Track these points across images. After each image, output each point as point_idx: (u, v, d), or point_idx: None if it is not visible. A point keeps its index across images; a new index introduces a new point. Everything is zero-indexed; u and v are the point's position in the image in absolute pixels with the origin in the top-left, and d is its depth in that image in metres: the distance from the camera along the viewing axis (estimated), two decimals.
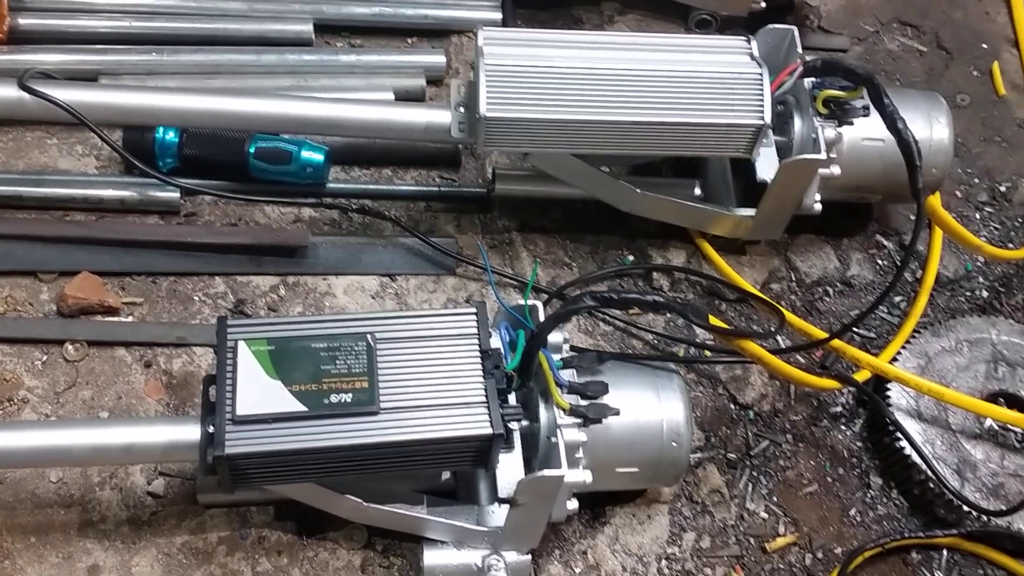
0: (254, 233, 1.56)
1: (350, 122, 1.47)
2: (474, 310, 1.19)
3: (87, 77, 1.64)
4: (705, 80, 1.40)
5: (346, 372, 1.11)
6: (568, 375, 1.20)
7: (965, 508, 1.39)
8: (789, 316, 1.49)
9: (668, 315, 1.57)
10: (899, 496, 1.47)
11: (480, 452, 1.13)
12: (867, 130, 1.50)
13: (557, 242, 1.63)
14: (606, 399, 1.19)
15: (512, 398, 1.16)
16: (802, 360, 1.55)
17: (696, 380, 1.52)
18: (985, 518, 1.39)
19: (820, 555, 1.41)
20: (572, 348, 1.30)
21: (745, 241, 1.63)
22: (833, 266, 1.66)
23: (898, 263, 1.66)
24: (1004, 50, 1.97)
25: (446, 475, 1.29)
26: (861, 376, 1.49)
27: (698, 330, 1.54)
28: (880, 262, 1.68)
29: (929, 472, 1.40)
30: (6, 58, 1.63)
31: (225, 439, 1.06)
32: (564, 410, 1.15)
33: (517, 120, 1.37)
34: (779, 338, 1.55)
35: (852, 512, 1.45)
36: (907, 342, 1.54)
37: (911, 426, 1.44)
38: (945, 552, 1.42)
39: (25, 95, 1.38)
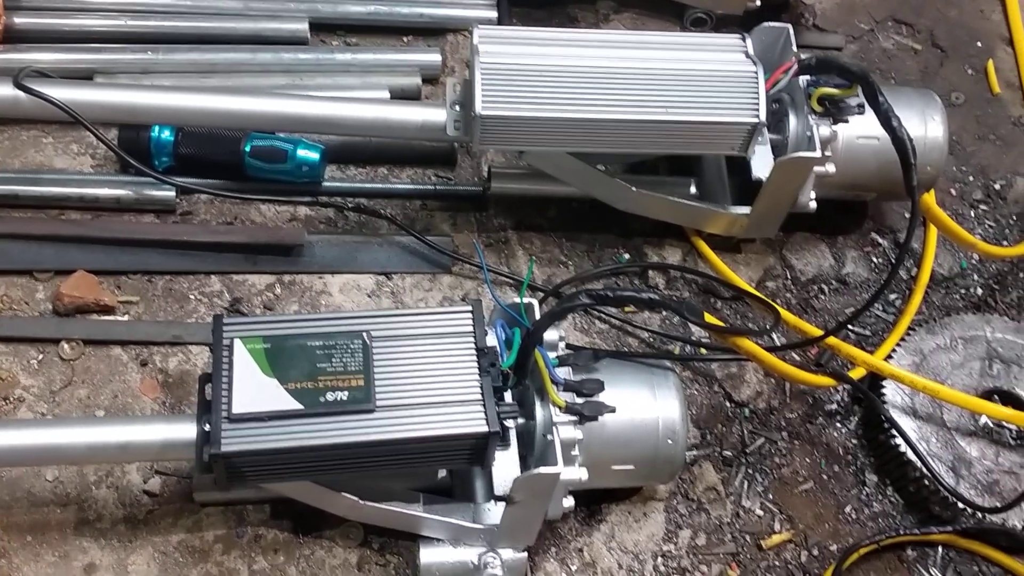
0: (250, 232, 1.56)
1: (346, 120, 1.47)
2: (470, 308, 1.19)
3: (83, 76, 1.64)
4: (700, 78, 1.40)
5: (342, 370, 1.11)
6: (564, 373, 1.20)
7: (960, 505, 1.39)
8: (784, 314, 1.49)
9: (664, 313, 1.57)
10: (894, 493, 1.47)
11: (476, 450, 1.14)
12: (862, 128, 1.50)
13: (553, 240, 1.63)
14: (602, 397, 1.19)
15: (508, 396, 1.17)
16: (797, 358, 1.56)
17: (692, 378, 1.53)
18: (980, 515, 1.39)
19: (816, 552, 1.41)
20: (568, 346, 1.30)
21: (740, 239, 1.64)
22: (828, 264, 1.66)
23: (893, 261, 1.67)
24: (999, 48, 1.98)
25: (442, 473, 1.30)
26: (856, 373, 1.49)
27: (694, 328, 1.55)
28: (875, 260, 1.69)
29: (924, 469, 1.40)
30: (2, 57, 1.63)
31: (221, 437, 1.06)
32: (560, 408, 1.16)
33: (513, 118, 1.37)
34: (774, 336, 1.55)
35: (847, 509, 1.45)
36: (902, 339, 1.54)
37: (906, 423, 1.44)
38: (940, 549, 1.43)
39: (21, 94, 1.38)
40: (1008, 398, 1.48)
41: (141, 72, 1.68)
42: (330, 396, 1.10)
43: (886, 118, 1.33)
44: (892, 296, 1.65)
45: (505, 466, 1.22)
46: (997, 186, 1.80)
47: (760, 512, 1.43)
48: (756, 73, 1.40)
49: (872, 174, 1.55)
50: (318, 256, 1.55)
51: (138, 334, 1.45)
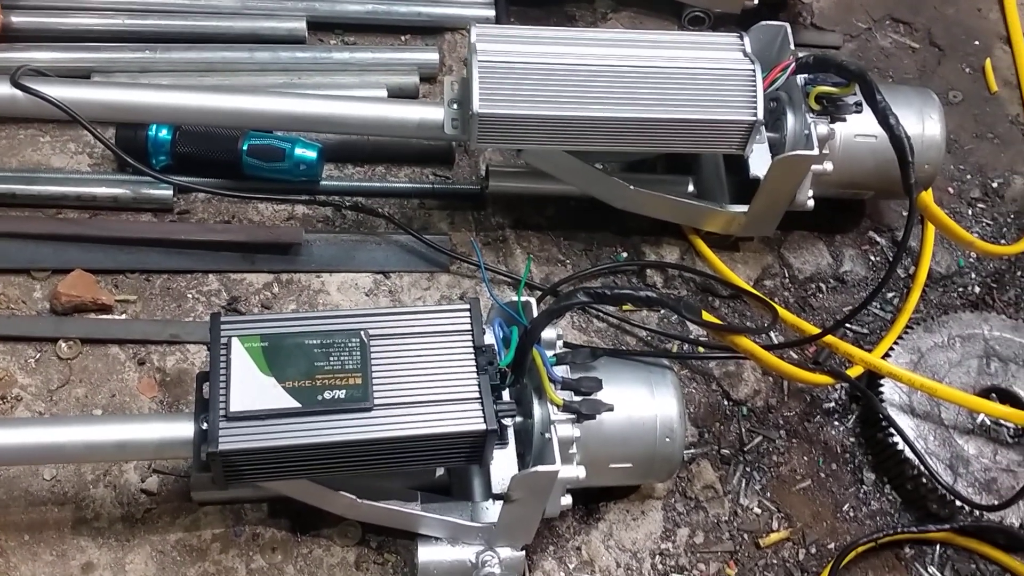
0: (247, 231, 1.56)
1: (343, 119, 1.47)
2: (467, 306, 1.19)
3: (80, 75, 1.64)
4: (698, 77, 1.40)
5: (340, 368, 1.11)
6: (562, 371, 1.20)
7: (958, 503, 1.39)
8: (782, 312, 1.50)
9: (661, 311, 1.57)
10: (892, 491, 1.47)
11: (474, 448, 1.14)
12: (860, 126, 1.50)
13: (551, 239, 1.63)
14: (600, 395, 1.19)
15: (506, 394, 1.16)
16: (795, 356, 1.56)
17: (690, 376, 1.53)
18: (978, 513, 1.39)
19: (813, 550, 1.41)
20: (566, 344, 1.30)
21: (738, 237, 1.64)
22: (826, 262, 1.66)
23: (891, 259, 1.67)
24: (996, 47, 1.98)
25: (440, 471, 1.30)
26: (854, 372, 1.49)
27: (691, 326, 1.55)
28: (873, 258, 1.69)
29: (922, 467, 1.40)
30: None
31: (219, 435, 1.06)
32: (558, 406, 1.15)
33: (510, 116, 1.37)
34: (772, 334, 1.56)
35: (845, 507, 1.45)
36: (900, 338, 1.54)
37: (904, 421, 1.44)
38: (938, 547, 1.43)
39: (18, 92, 1.38)
40: (1006, 396, 1.48)
41: (139, 71, 1.68)
42: (328, 394, 1.10)
43: (884, 116, 1.33)
44: (890, 294, 1.65)
45: (503, 464, 1.22)
46: (995, 184, 1.80)
47: (758, 510, 1.44)
48: (754, 71, 1.40)
49: (870, 172, 1.55)
50: (316, 255, 1.55)
51: (136, 333, 1.45)
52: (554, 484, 1.15)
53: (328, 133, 1.62)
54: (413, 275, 1.57)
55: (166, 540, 1.30)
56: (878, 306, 1.63)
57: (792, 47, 1.46)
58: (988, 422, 1.45)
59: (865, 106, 1.38)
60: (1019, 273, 1.70)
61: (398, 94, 1.71)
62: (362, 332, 1.14)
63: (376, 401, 1.10)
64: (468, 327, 1.17)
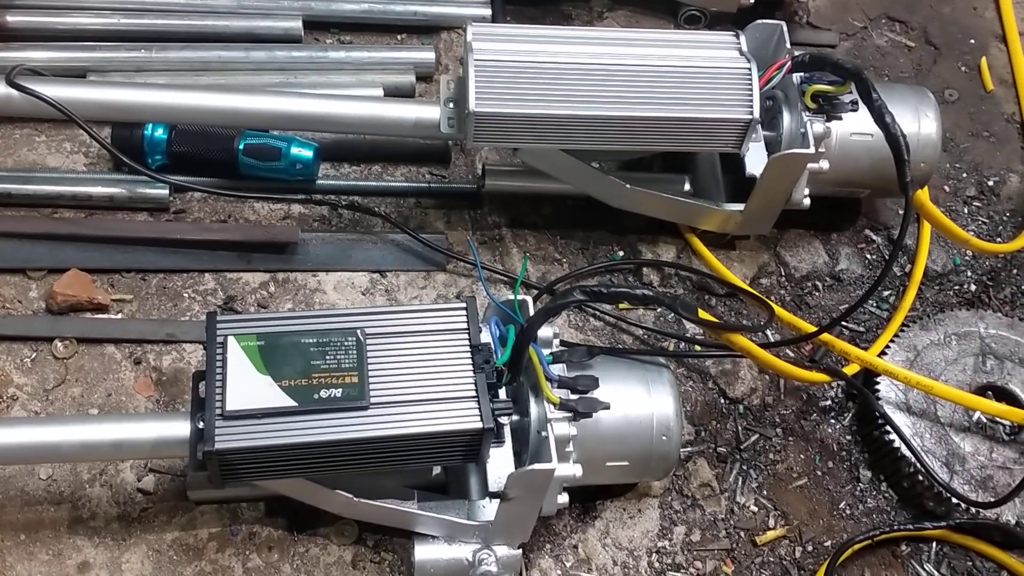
0: (244, 230, 1.56)
1: (339, 118, 1.47)
2: (464, 305, 1.19)
3: (76, 74, 1.64)
4: (694, 75, 1.40)
5: (336, 367, 1.11)
6: (558, 369, 1.20)
7: (954, 500, 1.39)
8: (778, 310, 1.50)
9: (658, 310, 1.57)
10: (888, 489, 1.47)
11: (470, 446, 1.13)
12: (855, 125, 1.50)
13: (547, 238, 1.63)
14: (596, 393, 1.19)
15: (502, 393, 1.16)
16: (792, 354, 1.56)
17: (686, 374, 1.53)
18: (974, 510, 1.39)
19: (810, 548, 1.41)
20: (562, 343, 1.30)
21: (734, 236, 1.64)
22: (822, 260, 1.67)
23: (887, 257, 1.67)
24: (992, 45, 1.98)
25: (437, 470, 1.29)
26: (850, 370, 1.49)
27: (688, 325, 1.55)
28: (869, 256, 1.69)
29: (918, 465, 1.40)
30: None
31: (215, 434, 1.06)
32: (554, 404, 1.15)
33: (506, 115, 1.37)
34: (769, 332, 1.56)
35: (842, 505, 1.45)
36: (896, 336, 1.54)
37: (900, 419, 1.45)
38: (934, 544, 1.43)
39: (13, 92, 1.38)
40: (1002, 394, 1.49)
41: (135, 70, 1.68)
42: (324, 393, 1.10)
43: (880, 115, 1.33)
44: (886, 292, 1.65)
45: (499, 463, 1.22)
46: (990, 183, 1.80)
47: (754, 508, 1.44)
48: (750, 70, 1.40)
49: (866, 171, 1.56)
50: (312, 254, 1.55)
51: (132, 332, 1.45)
52: (551, 482, 1.15)
53: (324, 132, 1.62)
54: (409, 274, 1.57)
55: (162, 539, 1.30)
56: (874, 304, 1.64)
57: (788, 46, 1.45)
58: (984, 420, 1.45)
59: (861, 104, 1.38)
60: (1015, 271, 1.70)
61: (394, 93, 1.71)
62: (358, 331, 1.14)
63: (372, 400, 1.10)
64: (464, 326, 1.17)
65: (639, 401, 1.28)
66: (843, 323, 1.59)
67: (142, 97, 1.44)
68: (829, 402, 1.54)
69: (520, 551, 1.26)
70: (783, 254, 1.66)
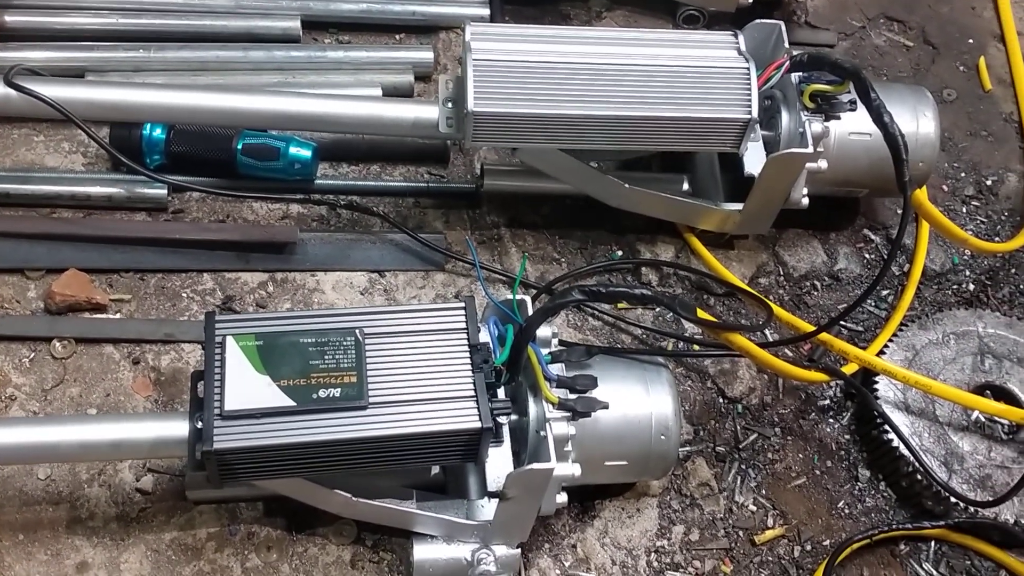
0: (242, 230, 1.56)
1: (338, 118, 1.47)
2: (462, 305, 1.19)
3: (74, 74, 1.64)
4: (693, 75, 1.40)
5: (334, 367, 1.11)
6: (557, 369, 1.20)
7: (952, 499, 1.39)
8: (777, 310, 1.50)
9: (657, 309, 1.57)
10: (887, 488, 1.47)
11: (469, 446, 1.13)
12: (854, 124, 1.50)
13: (546, 238, 1.63)
14: (595, 393, 1.19)
15: (501, 392, 1.16)
16: (790, 353, 1.56)
17: (685, 374, 1.53)
18: (972, 509, 1.39)
19: (808, 547, 1.41)
20: (561, 342, 1.30)
21: (733, 236, 1.64)
22: (821, 260, 1.67)
23: (885, 257, 1.67)
24: (990, 45, 1.98)
25: (435, 470, 1.29)
26: (849, 369, 1.49)
27: (687, 324, 1.55)
28: (867, 256, 1.69)
29: (917, 464, 1.40)
30: None
31: (213, 434, 1.06)
32: (553, 404, 1.15)
33: (505, 115, 1.37)
34: (767, 332, 1.56)
35: (840, 504, 1.46)
36: (894, 335, 1.54)
37: (899, 418, 1.45)
38: (933, 543, 1.43)
39: (12, 92, 1.38)
40: (1000, 393, 1.49)
41: (133, 70, 1.68)
42: (323, 393, 1.10)
43: (878, 114, 1.33)
44: (884, 292, 1.65)
45: (498, 462, 1.22)
46: (989, 182, 1.80)
47: (753, 507, 1.44)
48: (748, 70, 1.40)
49: (864, 170, 1.56)
50: (311, 254, 1.55)
51: (130, 332, 1.45)
52: (549, 482, 1.15)
53: (323, 132, 1.62)
54: (408, 274, 1.57)
55: (161, 539, 1.30)
56: (873, 304, 1.64)
57: (786, 45, 1.45)
58: (982, 419, 1.45)
59: (859, 104, 1.38)
60: (1013, 270, 1.70)
61: (393, 93, 1.71)
62: (357, 331, 1.14)
63: (371, 399, 1.10)
64: (463, 325, 1.17)
65: (638, 400, 1.28)
66: (842, 322, 1.59)
67: (140, 97, 1.44)
68: (828, 401, 1.54)
69: (519, 551, 1.26)
70: (782, 253, 1.66)
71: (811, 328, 1.47)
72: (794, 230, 1.68)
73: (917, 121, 1.56)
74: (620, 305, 1.57)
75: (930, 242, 1.68)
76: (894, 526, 1.42)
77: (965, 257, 1.71)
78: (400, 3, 1.81)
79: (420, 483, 1.27)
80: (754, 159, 1.48)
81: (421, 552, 1.24)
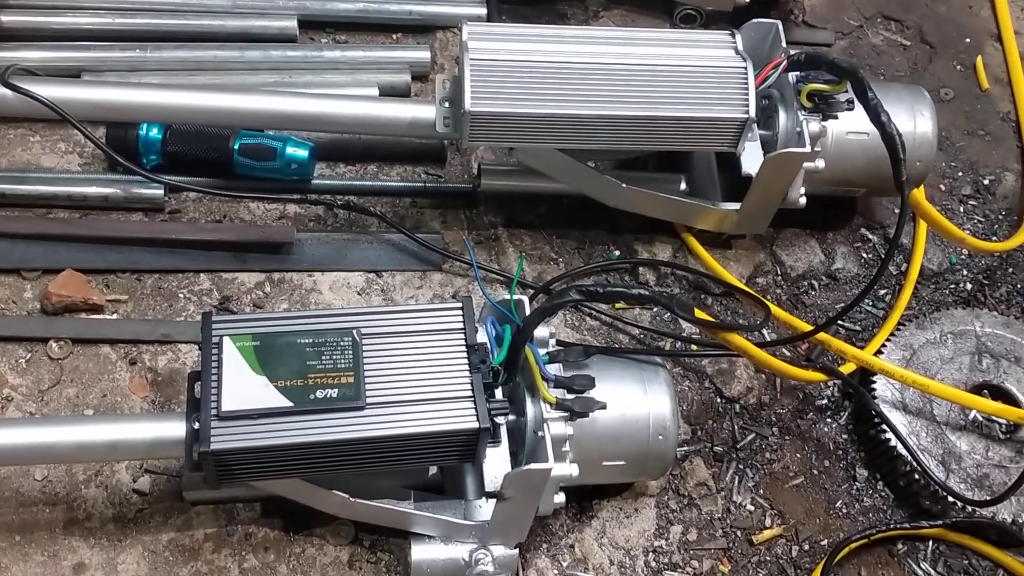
0: (239, 230, 1.55)
1: (335, 118, 1.47)
2: (460, 305, 1.18)
3: (70, 74, 1.64)
4: (690, 74, 1.40)
5: (332, 367, 1.11)
6: (554, 369, 1.20)
7: (950, 499, 1.39)
8: (775, 309, 1.49)
9: (654, 309, 1.57)
10: (885, 488, 1.47)
11: (467, 446, 1.13)
12: (851, 124, 1.50)
13: (543, 237, 1.63)
14: (592, 393, 1.19)
15: (498, 392, 1.16)
16: (788, 353, 1.56)
17: (682, 374, 1.53)
18: (970, 509, 1.39)
19: (806, 547, 1.41)
20: (558, 342, 1.30)
21: (730, 235, 1.64)
22: (818, 260, 1.67)
23: (882, 256, 1.67)
24: (987, 44, 1.98)
25: (433, 470, 1.29)
26: (846, 369, 1.49)
27: (684, 324, 1.55)
28: (865, 255, 1.69)
29: (914, 463, 1.40)
30: None
31: (210, 435, 1.06)
32: (551, 404, 1.15)
33: (502, 115, 1.37)
34: (765, 331, 1.56)
35: (838, 504, 1.46)
36: (892, 335, 1.54)
37: (896, 418, 1.45)
38: (930, 543, 1.43)
39: (8, 92, 1.38)
40: (997, 392, 1.49)
41: (129, 70, 1.67)
42: (320, 393, 1.09)
43: (875, 114, 1.33)
44: (882, 291, 1.65)
45: (496, 463, 1.21)
46: (986, 181, 1.80)
47: (751, 507, 1.44)
48: (745, 69, 1.40)
49: (861, 170, 1.56)
50: (308, 254, 1.55)
51: (127, 333, 1.44)
52: (547, 482, 1.15)
53: (320, 132, 1.62)
54: (405, 274, 1.56)
55: (158, 540, 1.30)
56: (870, 303, 1.64)
57: (784, 45, 1.45)
58: (980, 418, 1.45)
59: (857, 103, 1.38)
60: (1011, 270, 1.70)
61: (390, 92, 1.71)
62: (354, 331, 1.14)
63: (368, 400, 1.10)
64: (461, 325, 1.17)
65: (635, 400, 1.28)
66: (839, 322, 1.59)
67: (137, 97, 1.44)
68: (825, 401, 1.54)
69: (517, 551, 1.25)
70: (779, 253, 1.66)
71: (809, 328, 1.47)
72: (792, 230, 1.68)
73: (914, 120, 1.56)
74: (618, 305, 1.56)
75: (928, 241, 1.68)
76: (892, 525, 1.42)
77: (963, 256, 1.71)
78: (397, 3, 1.81)
79: (418, 483, 1.27)
80: (751, 159, 1.48)
81: (419, 552, 1.24)
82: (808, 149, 1.41)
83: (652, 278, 1.61)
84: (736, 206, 1.53)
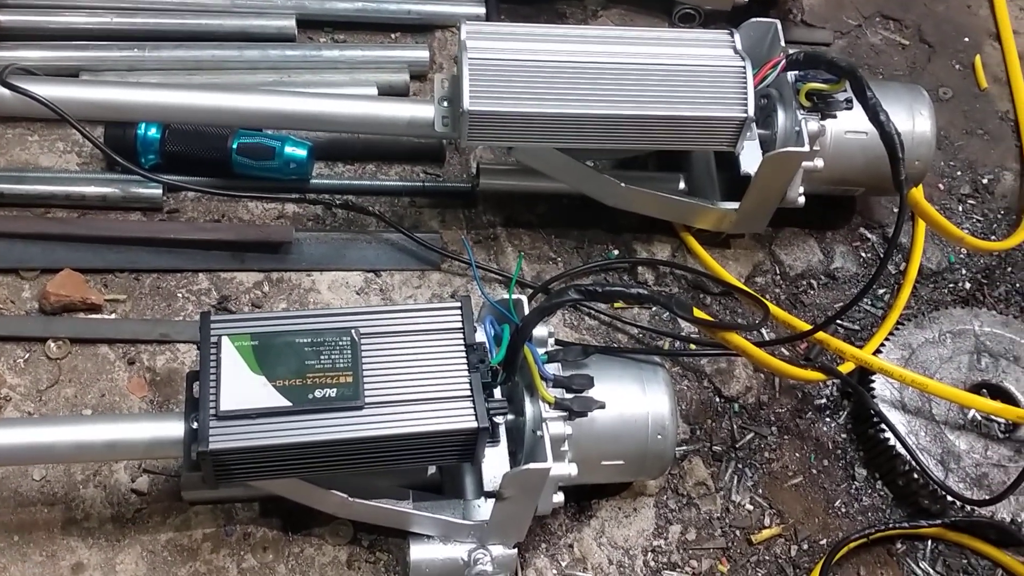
0: (237, 229, 1.55)
1: (333, 117, 1.47)
2: (459, 304, 1.18)
3: (68, 73, 1.63)
4: (689, 73, 1.40)
5: (330, 367, 1.11)
6: (553, 369, 1.20)
7: (949, 498, 1.39)
8: (773, 309, 1.49)
9: (653, 308, 1.57)
10: (883, 487, 1.47)
11: (465, 446, 1.13)
12: (850, 123, 1.50)
13: (542, 237, 1.63)
14: (591, 392, 1.18)
15: (497, 392, 1.16)
16: (787, 352, 1.56)
17: (681, 373, 1.53)
18: (969, 508, 1.39)
19: (805, 546, 1.41)
20: (557, 342, 1.30)
21: (729, 235, 1.64)
22: (817, 259, 1.67)
23: (881, 255, 1.67)
24: (986, 43, 1.98)
25: (432, 470, 1.29)
26: (845, 368, 1.49)
27: (683, 323, 1.55)
28: (863, 254, 1.69)
29: (913, 463, 1.40)
30: None
31: (209, 435, 1.06)
32: (549, 404, 1.15)
33: (500, 114, 1.37)
34: (764, 331, 1.56)
35: (837, 503, 1.45)
36: (891, 334, 1.54)
37: (895, 417, 1.45)
38: (929, 542, 1.43)
39: (5, 91, 1.37)
40: (996, 391, 1.49)
41: (127, 69, 1.67)
42: (318, 393, 1.09)
43: (874, 113, 1.33)
44: (881, 291, 1.65)
45: (495, 462, 1.21)
46: (985, 180, 1.80)
47: (750, 507, 1.44)
48: (744, 68, 1.40)
49: (860, 169, 1.56)
50: (306, 253, 1.55)
51: (125, 332, 1.44)
52: (546, 482, 1.15)
53: (318, 131, 1.62)
54: (404, 273, 1.56)
55: (157, 540, 1.30)
56: (869, 302, 1.64)
57: (782, 44, 1.45)
58: (979, 417, 1.45)
59: (855, 103, 1.38)
60: (1009, 269, 1.70)
61: (388, 92, 1.71)
62: (353, 330, 1.14)
63: (367, 399, 1.10)
64: (459, 325, 1.17)
65: (634, 400, 1.28)
66: (838, 321, 1.59)
67: (135, 96, 1.44)
68: (824, 400, 1.54)
69: (515, 551, 1.25)
70: (778, 252, 1.66)
71: (807, 327, 1.47)
72: (790, 229, 1.68)
73: (913, 120, 1.56)
74: (616, 304, 1.56)
75: (926, 241, 1.68)
76: (891, 525, 1.42)
77: (961, 256, 1.71)
78: (396, 2, 1.81)
79: (416, 483, 1.27)
80: (750, 158, 1.48)
81: (417, 552, 1.23)
82: (807, 148, 1.41)
83: (651, 277, 1.61)
84: (735, 205, 1.53)
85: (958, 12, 2.02)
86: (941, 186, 1.79)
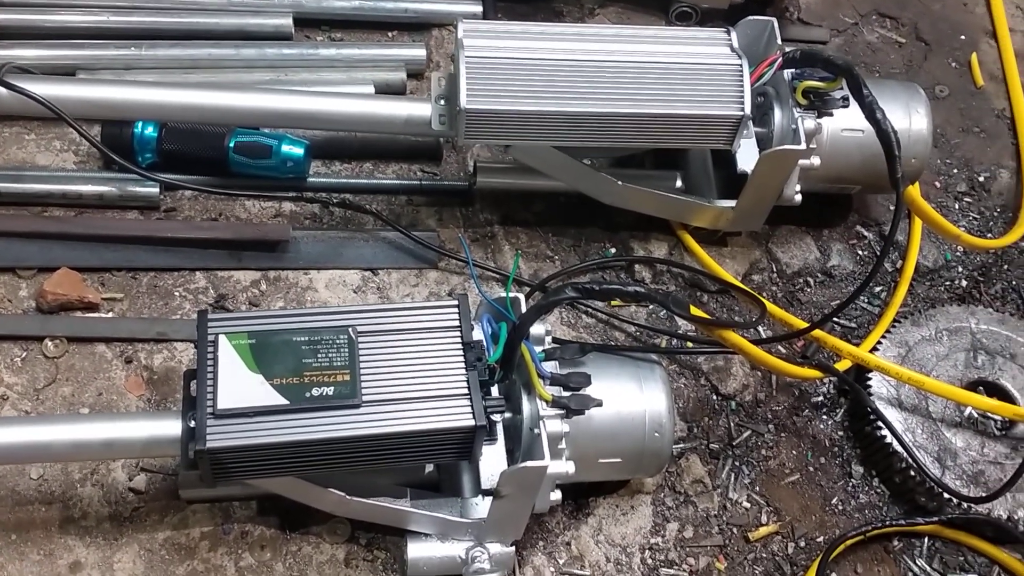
0: (234, 228, 1.55)
1: (330, 115, 1.47)
2: (456, 302, 1.18)
3: (65, 72, 1.63)
4: (685, 72, 1.40)
5: (328, 365, 1.11)
6: (550, 367, 1.20)
7: (946, 495, 1.40)
8: (770, 307, 1.50)
9: (650, 307, 1.57)
10: (880, 484, 1.47)
11: (463, 444, 1.13)
12: (847, 121, 1.50)
13: (539, 235, 1.63)
14: (589, 390, 1.19)
15: (495, 390, 1.16)
16: (783, 350, 1.56)
17: (678, 371, 1.53)
18: (965, 505, 1.40)
19: (802, 543, 1.42)
20: (554, 340, 1.30)
21: (726, 232, 1.64)
22: (814, 257, 1.67)
23: (878, 253, 1.67)
24: (982, 41, 1.99)
25: (429, 468, 1.29)
26: (842, 366, 1.49)
27: (680, 321, 1.55)
28: (860, 252, 1.69)
29: (910, 460, 1.41)
30: None
31: (206, 433, 1.06)
32: (547, 401, 1.15)
33: (497, 112, 1.37)
34: (760, 328, 1.56)
35: (834, 501, 1.46)
36: (887, 331, 1.54)
37: (892, 415, 1.45)
38: (926, 539, 1.43)
39: (2, 90, 1.37)
40: (993, 389, 1.49)
41: (124, 68, 1.67)
42: (316, 391, 1.09)
43: (871, 111, 1.33)
44: (877, 288, 1.65)
45: (492, 460, 1.21)
46: (981, 178, 1.80)
47: (747, 504, 1.44)
48: (741, 66, 1.40)
49: (857, 167, 1.56)
50: (303, 252, 1.55)
51: (122, 331, 1.44)
52: (543, 479, 1.15)
53: (315, 130, 1.62)
54: (401, 272, 1.56)
55: (154, 538, 1.30)
56: (865, 300, 1.64)
57: (779, 42, 1.45)
58: (975, 415, 1.46)
59: (852, 101, 1.38)
60: (1006, 266, 1.71)
61: (385, 90, 1.71)
62: (350, 329, 1.14)
63: (364, 398, 1.10)
64: (456, 323, 1.17)
65: (631, 398, 1.28)
66: (835, 319, 1.59)
67: (132, 95, 1.44)
68: (821, 398, 1.54)
69: (513, 548, 1.26)
70: (775, 250, 1.67)
71: (804, 325, 1.47)
72: (787, 227, 1.68)
73: (909, 117, 1.56)
74: (613, 302, 1.57)
75: (923, 238, 1.68)
76: (887, 522, 1.42)
77: (958, 253, 1.71)
78: (392, 0, 1.81)
79: (414, 481, 1.27)
80: (747, 156, 1.48)
81: (415, 550, 1.24)
82: (803, 146, 1.42)
83: (648, 275, 1.61)
84: (732, 203, 1.53)
85: (954, 10, 2.02)
86: (937, 184, 1.79)
